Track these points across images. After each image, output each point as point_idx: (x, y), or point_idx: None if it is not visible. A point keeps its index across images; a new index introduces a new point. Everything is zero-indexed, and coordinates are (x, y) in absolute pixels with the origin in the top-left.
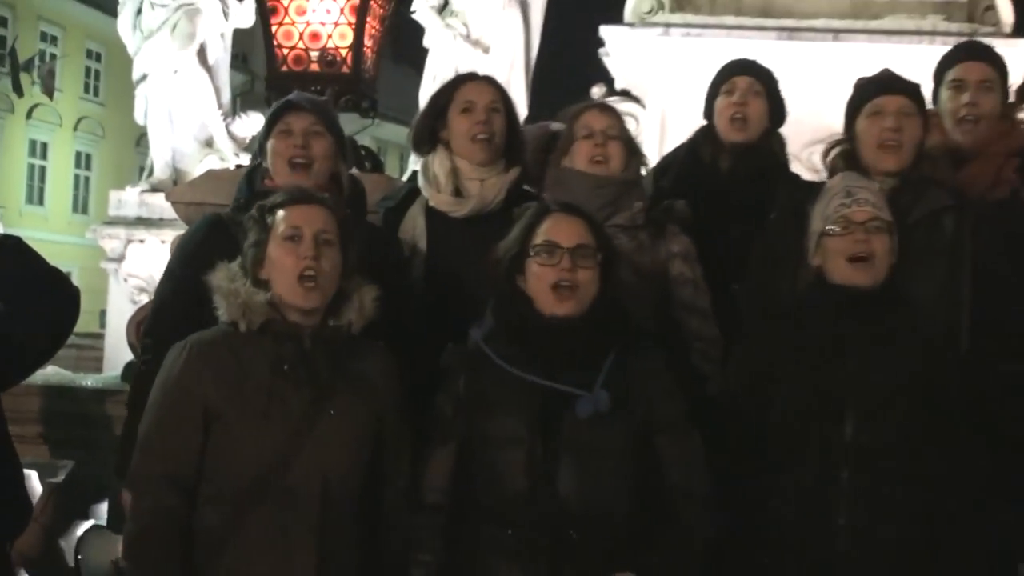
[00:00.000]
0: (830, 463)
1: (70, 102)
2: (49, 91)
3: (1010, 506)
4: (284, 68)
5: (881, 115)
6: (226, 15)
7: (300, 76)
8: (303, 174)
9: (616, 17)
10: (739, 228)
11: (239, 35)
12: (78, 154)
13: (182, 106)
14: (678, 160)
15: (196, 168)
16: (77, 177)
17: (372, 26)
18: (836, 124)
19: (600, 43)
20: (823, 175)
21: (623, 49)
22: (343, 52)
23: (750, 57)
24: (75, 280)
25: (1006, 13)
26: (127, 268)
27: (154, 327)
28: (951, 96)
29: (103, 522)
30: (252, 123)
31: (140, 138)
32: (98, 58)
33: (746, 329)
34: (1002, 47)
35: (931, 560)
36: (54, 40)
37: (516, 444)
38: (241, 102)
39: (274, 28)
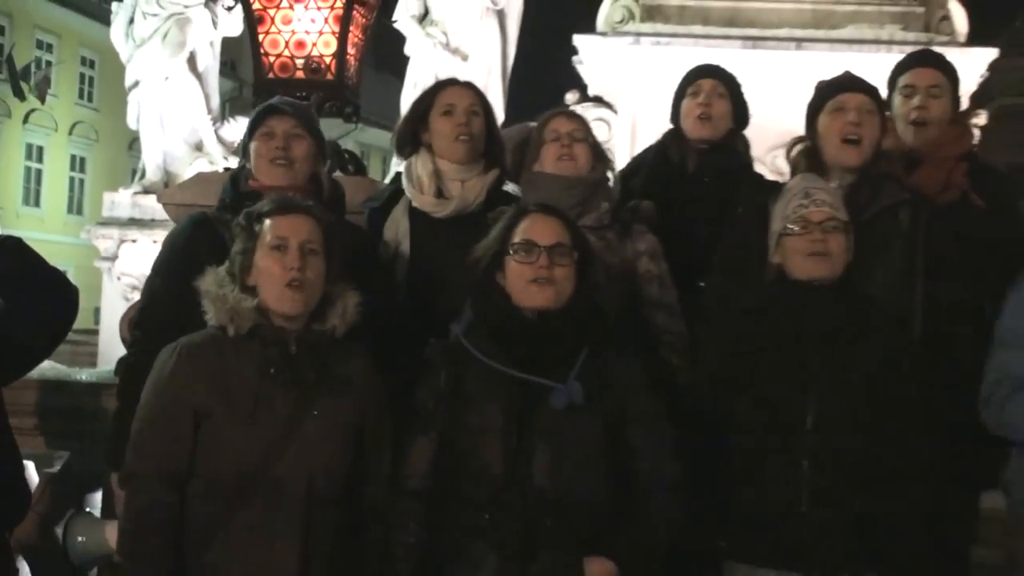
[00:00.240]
0: (792, 452)
1: (65, 107)
2: (42, 96)
3: (961, 492)
4: (271, 75)
5: (843, 111)
6: (215, 24)
7: (286, 83)
8: (285, 172)
9: (589, 26)
10: (705, 227)
11: (228, 43)
12: (73, 157)
13: (173, 111)
14: (647, 162)
15: (186, 171)
16: (72, 179)
17: (355, 35)
18: (799, 129)
19: (574, 51)
20: (786, 177)
21: (596, 57)
22: (327, 60)
23: (715, 63)
24: (71, 278)
25: (960, 23)
26: (120, 267)
27: (142, 321)
28: (902, 101)
29: (98, 509)
30: (240, 127)
31: (132, 142)
32: (92, 65)
33: (712, 323)
34: (957, 55)
35: (890, 545)
36: (50, 48)
37: (494, 434)
38: (230, 107)
39: (261, 37)
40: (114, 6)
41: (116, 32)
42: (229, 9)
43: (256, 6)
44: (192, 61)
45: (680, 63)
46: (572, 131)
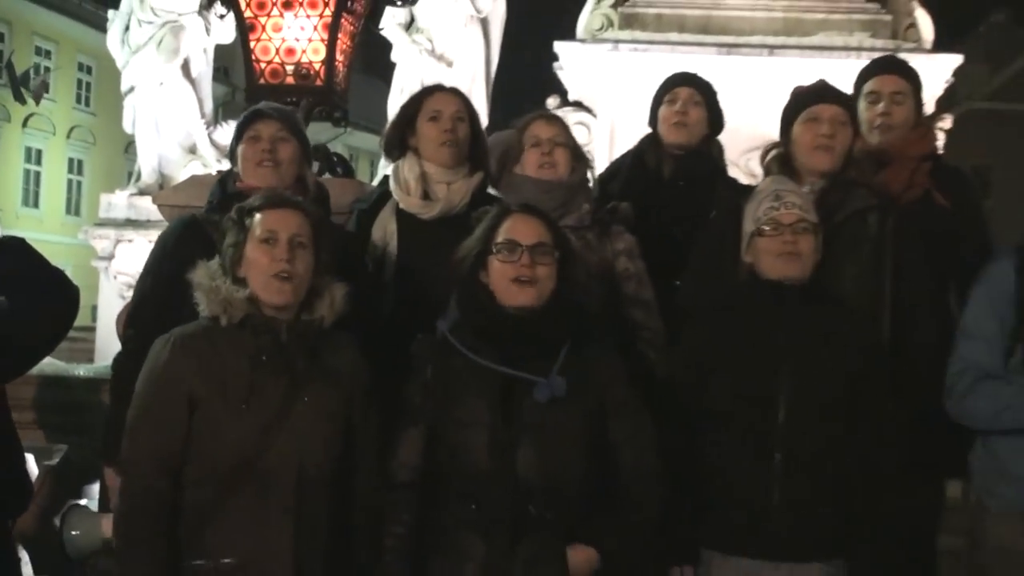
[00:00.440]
0: (764, 445)
1: (63, 112)
2: (37, 97)
3: (927, 483)
4: (262, 81)
5: (817, 121)
6: (208, 31)
7: (277, 88)
8: (271, 174)
9: (569, 34)
10: (681, 228)
11: (220, 50)
12: (71, 160)
13: (167, 116)
14: (625, 165)
15: (181, 173)
16: (70, 182)
17: (343, 42)
18: (772, 133)
19: (554, 57)
20: (760, 179)
21: (576, 63)
22: (316, 66)
23: (691, 71)
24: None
25: (926, 30)
26: (116, 266)
27: (135, 318)
28: (867, 106)
29: (95, 501)
30: (233, 132)
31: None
32: (89, 71)
33: (687, 320)
34: (923, 62)
35: (858, 533)
36: (48, 54)
37: (479, 426)
38: (223, 112)
39: (252, 44)
40: (110, 14)
41: (112, 39)
42: (222, 17)
43: (248, 14)
44: (186, 67)
45: (657, 69)
46: (552, 136)
